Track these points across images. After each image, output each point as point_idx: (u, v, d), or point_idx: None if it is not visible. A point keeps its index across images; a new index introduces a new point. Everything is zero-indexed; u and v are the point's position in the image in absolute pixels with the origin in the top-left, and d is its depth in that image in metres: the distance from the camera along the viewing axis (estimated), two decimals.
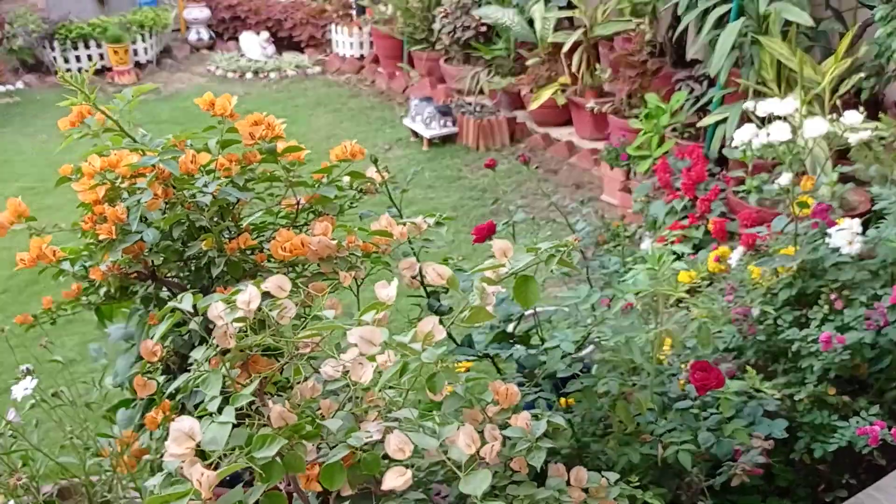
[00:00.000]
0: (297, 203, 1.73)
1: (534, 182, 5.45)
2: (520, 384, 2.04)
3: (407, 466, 1.15)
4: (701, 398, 1.85)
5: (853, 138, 2.52)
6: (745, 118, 4.96)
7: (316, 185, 1.80)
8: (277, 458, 1.05)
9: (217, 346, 1.15)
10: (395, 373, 1.07)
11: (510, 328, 2.18)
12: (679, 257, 1.91)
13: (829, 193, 3.64)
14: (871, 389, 2.48)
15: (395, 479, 1.07)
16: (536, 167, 5.77)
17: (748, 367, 1.94)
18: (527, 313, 2.44)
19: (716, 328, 2.70)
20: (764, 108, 2.39)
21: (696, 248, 3.58)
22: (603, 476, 1.65)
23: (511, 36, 6.59)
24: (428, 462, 1.26)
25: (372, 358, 1.20)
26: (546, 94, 5.99)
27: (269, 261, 1.63)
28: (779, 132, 2.24)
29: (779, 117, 2.33)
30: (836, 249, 2.52)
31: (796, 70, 3.99)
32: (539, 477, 1.60)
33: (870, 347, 2.33)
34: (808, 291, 2.54)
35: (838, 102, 4.05)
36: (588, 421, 2.09)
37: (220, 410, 1.07)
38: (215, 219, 1.57)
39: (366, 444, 1.13)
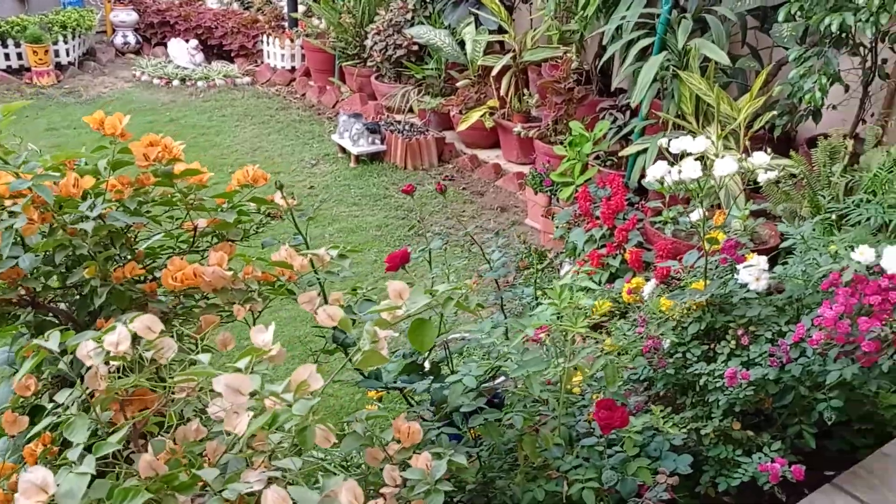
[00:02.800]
0: (195, 228, 1.65)
1: (460, 203, 5.44)
2: (425, 419, 2.00)
3: None
4: (607, 435, 1.84)
5: (762, 177, 2.59)
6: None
7: (217, 210, 1.72)
8: None
9: (87, 387, 1.07)
10: (263, 424, 1.01)
11: (425, 358, 2.13)
12: (590, 289, 1.90)
13: (742, 228, 3.73)
14: (776, 423, 2.54)
15: None
16: (463, 188, 5.77)
17: (653, 405, 1.94)
18: (448, 339, 2.41)
19: (626, 361, 2.73)
20: (677, 145, 2.42)
21: (613, 278, 3.62)
22: None
23: (442, 57, 6.60)
24: None
25: (260, 401, 1.14)
26: (475, 116, 6.01)
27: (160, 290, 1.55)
28: (689, 170, 2.27)
29: (691, 155, 2.36)
30: (745, 285, 2.58)
31: (714, 105, 4.10)
32: None
33: (773, 383, 2.38)
34: (716, 326, 2.58)
35: (748, 142, 4.17)
36: (496, 455, 2.06)
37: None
38: (100, 245, 1.48)
39: (247, 494, 1.06)
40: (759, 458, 2.23)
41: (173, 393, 1.11)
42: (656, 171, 2.28)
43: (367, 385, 1.87)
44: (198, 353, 1.09)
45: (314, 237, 4.78)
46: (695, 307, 2.62)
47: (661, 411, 2.52)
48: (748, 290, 2.57)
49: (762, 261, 2.59)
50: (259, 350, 1.10)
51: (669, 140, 2.45)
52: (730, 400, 2.36)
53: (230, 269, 1.51)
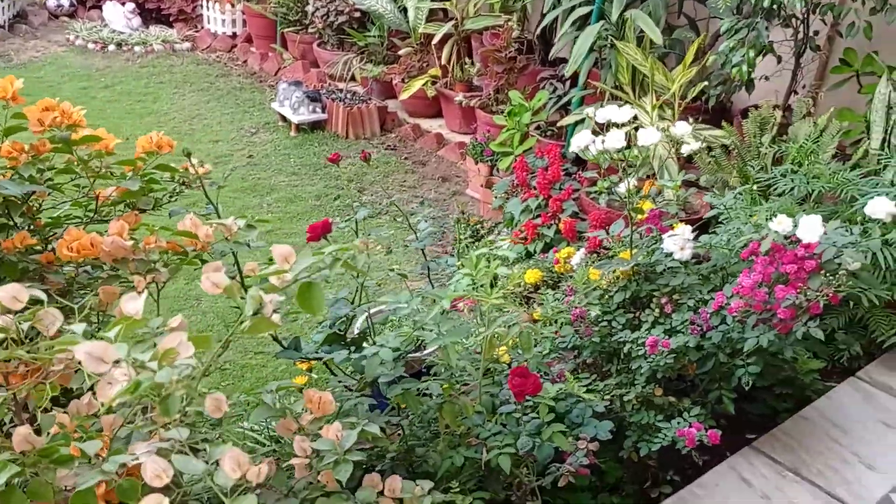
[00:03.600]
0: (97, 197, 1.60)
1: (401, 173, 5.40)
2: (348, 388, 1.99)
3: (181, 490, 1.07)
4: (524, 403, 1.86)
5: (685, 148, 2.61)
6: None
7: (120, 178, 1.67)
8: (18, 488, 0.95)
9: None
10: (125, 390, 0.98)
11: (347, 329, 2.11)
12: (507, 259, 1.90)
13: (674, 198, 3.78)
14: (698, 389, 2.59)
15: None
16: (405, 158, 5.73)
17: (578, 373, 1.96)
18: (372, 311, 2.40)
19: (551, 329, 2.76)
20: (603, 114, 2.43)
21: (548, 248, 3.64)
22: (417, 484, 1.62)
23: (384, 24, 6.51)
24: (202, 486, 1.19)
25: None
26: (417, 85, 5.95)
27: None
28: (613, 140, 2.28)
29: (616, 125, 2.37)
30: (671, 255, 2.62)
31: (648, 75, 4.12)
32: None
33: (695, 351, 2.43)
34: (641, 295, 2.62)
35: (682, 112, 4.21)
36: (420, 425, 2.07)
37: None
38: None
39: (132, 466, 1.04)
40: (679, 423, 2.27)
41: (52, 364, 1.08)
42: (580, 141, 2.29)
43: (284, 356, 1.85)
44: (78, 323, 1.05)
45: (252, 206, 4.70)
46: (621, 276, 2.65)
47: (584, 378, 2.56)
48: (673, 260, 2.61)
49: (686, 230, 2.62)
50: (129, 319, 1.07)
51: (596, 110, 2.45)
52: (652, 367, 2.40)
53: (132, 239, 1.46)
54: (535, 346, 2.37)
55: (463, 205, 4.90)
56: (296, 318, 3.33)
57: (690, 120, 3.80)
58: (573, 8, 4.64)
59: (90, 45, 8.04)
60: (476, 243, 4.05)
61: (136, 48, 8.01)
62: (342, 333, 2.02)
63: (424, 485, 1.60)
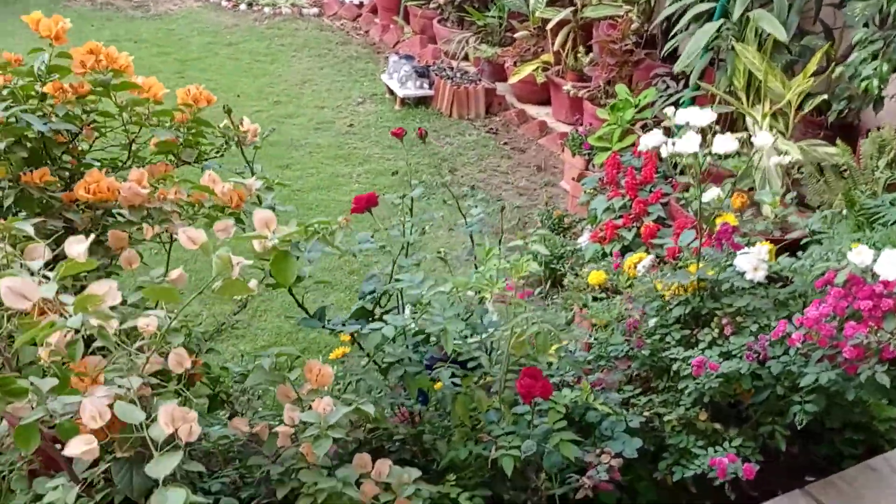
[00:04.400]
0: (130, 143, 1.63)
1: (496, 158, 5.33)
2: (377, 364, 1.96)
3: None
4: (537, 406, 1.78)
5: (774, 159, 2.43)
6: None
7: (170, 128, 1.69)
8: None
9: None
10: (36, 331, 0.98)
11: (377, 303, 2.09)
12: (538, 254, 1.82)
13: (771, 214, 3.54)
14: (751, 421, 2.42)
15: (78, 447, 1.00)
16: (504, 143, 5.65)
17: (581, 384, 1.87)
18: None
19: (604, 336, 2.64)
20: (682, 115, 2.28)
21: (626, 251, 3.49)
22: (405, 472, 1.59)
23: (505, 5, 6.42)
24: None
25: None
26: (527, 70, 5.85)
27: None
28: (686, 143, 2.14)
29: (693, 128, 2.23)
30: (742, 274, 2.45)
31: (762, 80, 3.87)
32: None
33: (749, 378, 2.27)
34: (702, 312, 2.46)
35: (794, 120, 3.93)
36: (436, 412, 2.04)
37: None
38: (23, 147, 1.47)
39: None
40: (715, 451, 2.13)
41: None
42: (649, 141, 2.16)
43: (306, 324, 1.84)
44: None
45: (341, 175, 4.77)
46: (682, 290, 2.50)
47: (627, 391, 2.44)
48: (743, 279, 2.44)
49: (762, 250, 2.45)
50: (74, 262, 1.08)
51: (674, 109, 2.31)
52: (699, 389, 2.26)
53: (153, 187, 1.48)
54: (568, 349, 2.27)
55: (553, 197, 4.78)
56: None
57: (774, 135, 3.53)
58: (695, 2, 4.40)
59: (223, 3, 8.36)
60: (555, 236, 3.94)
61: (266, 9, 8.27)
62: (371, 310, 1.99)
63: (412, 473, 1.56)
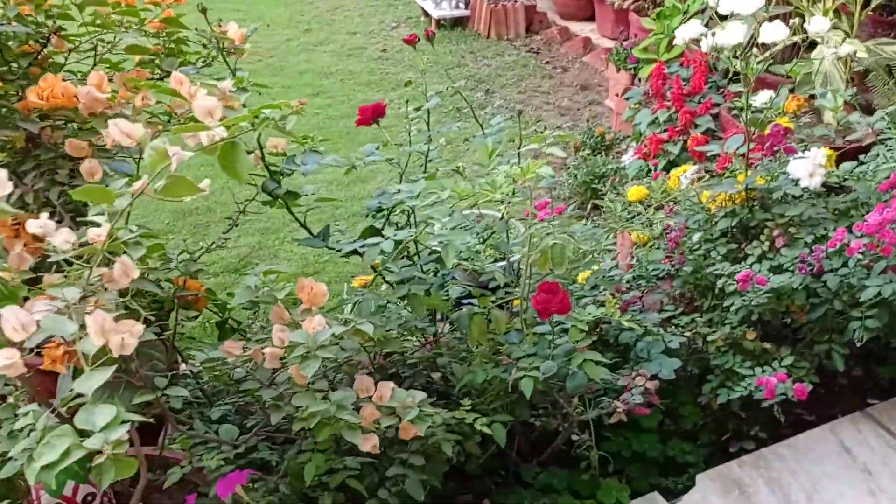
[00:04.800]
0: (95, 49, 1.49)
1: (537, 78, 5.08)
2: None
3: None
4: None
5: (829, 51, 2.17)
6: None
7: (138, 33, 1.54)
8: None
9: None
10: None
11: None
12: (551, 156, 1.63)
13: (833, 120, 3.25)
14: (805, 339, 2.23)
15: None
16: (546, 62, 5.37)
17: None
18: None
19: (644, 253, 2.46)
20: (727, 3, 2.04)
21: (671, 166, 3.26)
22: (410, 395, 1.47)
23: None
24: None
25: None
26: None
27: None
28: (728, 34, 1.91)
29: (737, 17, 1.99)
30: (797, 181, 2.23)
31: None
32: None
33: (802, 293, 2.07)
34: (751, 224, 2.26)
35: (860, 18, 3.57)
36: (455, 336, 1.91)
37: None
38: None
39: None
40: (763, 371, 1.96)
41: None
42: (686, 32, 1.93)
43: (306, 243, 1.72)
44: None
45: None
46: (730, 201, 2.29)
47: (668, 310, 2.27)
48: (797, 187, 2.22)
49: (819, 154, 2.21)
50: None
51: None
52: (747, 306, 2.07)
53: (113, 92, 1.35)
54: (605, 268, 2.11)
55: (596, 116, 4.53)
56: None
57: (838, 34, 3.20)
58: None
59: None
60: (596, 155, 3.72)
61: None
62: (380, 228, 1.85)
63: (417, 395, 1.44)
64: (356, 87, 4.73)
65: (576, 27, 5.81)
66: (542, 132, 3.84)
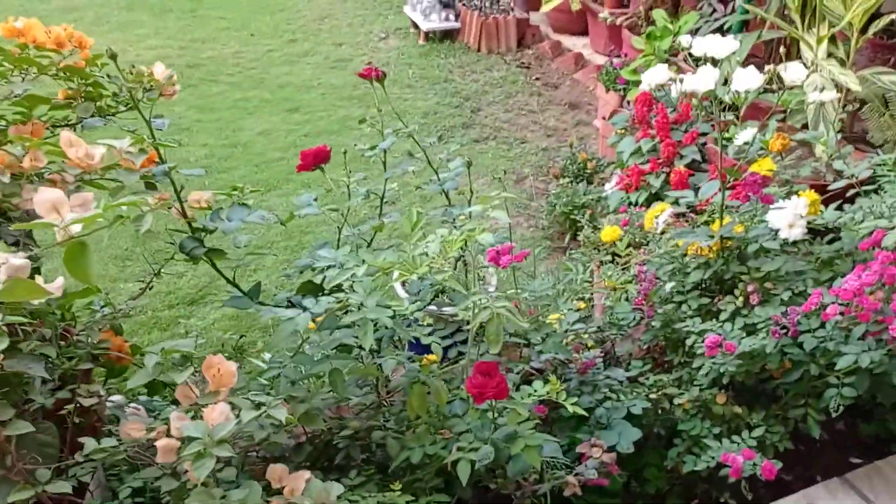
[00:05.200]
0: None
1: (526, 96, 4.94)
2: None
3: None
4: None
5: (813, 95, 2.04)
6: (766, 53, 4.31)
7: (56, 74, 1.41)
8: None
9: None
10: None
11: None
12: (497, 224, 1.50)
13: (824, 156, 3.11)
14: (781, 401, 2.10)
15: None
16: (536, 78, 5.23)
17: (543, 380, 1.57)
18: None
19: (613, 303, 2.33)
20: (700, 46, 1.90)
21: (653, 200, 3.12)
22: (326, 487, 1.34)
23: None
24: None
25: None
26: None
27: None
28: (698, 80, 1.77)
29: (713, 61, 1.85)
30: (776, 232, 2.09)
31: None
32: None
33: (778, 357, 1.93)
34: (725, 276, 2.12)
35: (857, 44, 3.43)
36: (393, 403, 1.78)
37: None
38: None
39: None
40: (730, 444, 1.82)
41: None
42: (653, 78, 1.80)
43: (232, 304, 1.58)
44: None
45: (354, 117, 4.46)
46: (707, 250, 2.16)
47: (636, 367, 2.14)
48: (775, 239, 2.08)
49: (799, 204, 2.08)
50: None
51: (691, 39, 1.93)
52: (715, 369, 1.94)
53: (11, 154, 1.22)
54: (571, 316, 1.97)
55: (584, 138, 4.39)
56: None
57: (831, 63, 3.07)
58: None
59: None
60: (577, 183, 3.59)
61: None
62: (320, 283, 1.72)
63: (334, 489, 1.31)
64: (338, 101, 4.60)
65: (569, 42, 5.67)
66: (540, 169, 3.70)
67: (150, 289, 1.60)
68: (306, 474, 1.31)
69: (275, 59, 5.15)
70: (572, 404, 1.46)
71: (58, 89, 1.52)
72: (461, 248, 1.47)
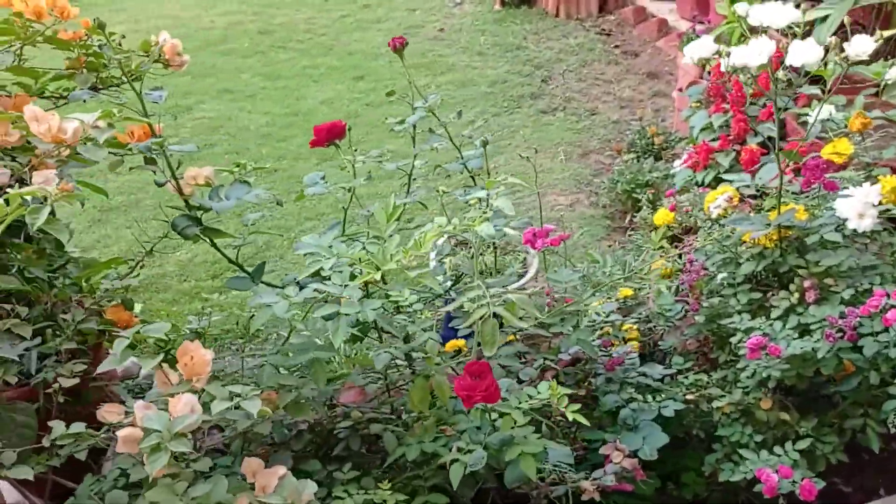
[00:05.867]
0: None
1: (603, 64, 4.71)
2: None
3: None
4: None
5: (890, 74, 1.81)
6: (852, 21, 3.97)
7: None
8: None
9: None
10: None
11: None
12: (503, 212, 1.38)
13: None
14: (838, 408, 1.91)
15: None
16: (615, 46, 4.99)
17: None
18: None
19: (659, 296, 2.17)
20: (757, 14, 1.71)
21: (719, 181, 2.90)
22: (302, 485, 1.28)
23: None
24: None
25: None
26: None
27: None
28: (749, 53, 1.59)
29: (766, 30, 1.66)
30: (844, 222, 1.89)
31: None
32: None
33: (834, 362, 1.75)
34: (781, 270, 1.93)
35: None
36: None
37: None
38: None
39: None
40: (767, 457, 1.67)
41: None
42: (696, 51, 1.63)
43: (232, 285, 1.54)
44: None
45: (422, 86, 4.36)
46: (765, 240, 1.97)
47: (679, 364, 1.98)
48: (841, 230, 1.89)
49: (872, 191, 1.87)
50: None
51: (748, 7, 1.74)
52: (760, 372, 1.78)
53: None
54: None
55: (660, 110, 4.16)
56: None
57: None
58: None
59: None
60: (645, 159, 3.39)
61: None
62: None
63: (307, 487, 1.25)
64: (403, 70, 4.50)
65: (654, 6, 5.37)
66: (608, 143, 3.48)
67: (140, 267, 1.57)
68: (281, 470, 1.26)
69: (347, 26, 5.10)
70: (575, 411, 1.33)
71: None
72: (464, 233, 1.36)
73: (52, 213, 1.83)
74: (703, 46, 1.63)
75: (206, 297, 2.67)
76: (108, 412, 1.25)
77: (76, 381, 1.35)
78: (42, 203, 1.04)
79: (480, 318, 1.23)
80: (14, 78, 1.44)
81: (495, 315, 1.27)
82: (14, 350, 1.13)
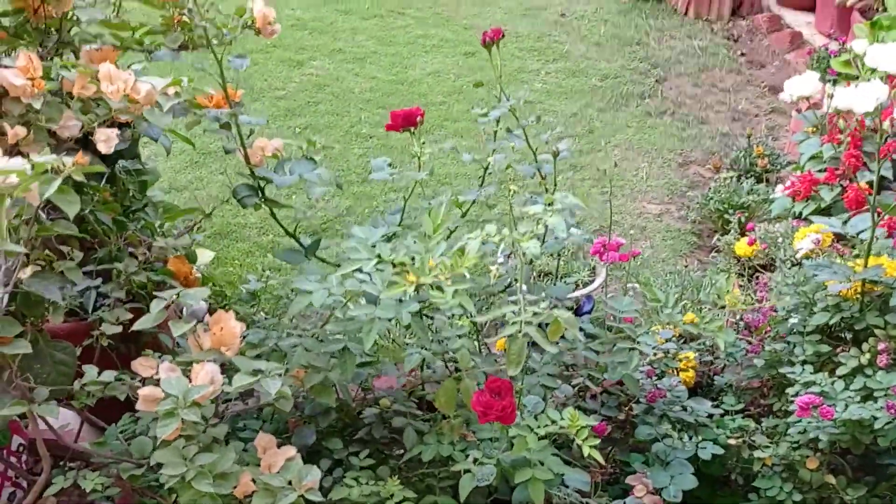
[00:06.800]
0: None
1: (723, 71, 4.51)
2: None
3: None
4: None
5: None
6: None
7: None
8: None
9: None
10: None
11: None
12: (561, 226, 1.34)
13: None
14: (892, 481, 1.80)
15: None
16: (742, 54, 4.76)
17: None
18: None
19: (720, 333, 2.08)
20: (875, 55, 1.60)
21: (822, 214, 2.73)
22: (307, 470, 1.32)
23: None
24: None
25: None
26: None
27: None
28: (858, 97, 1.48)
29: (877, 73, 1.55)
30: None
31: None
32: None
33: (893, 429, 1.65)
34: (856, 326, 1.82)
35: None
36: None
37: None
38: None
39: None
40: None
41: None
42: (797, 88, 1.54)
43: (282, 257, 1.57)
44: None
45: (528, 71, 4.29)
46: (850, 293, 1.86)
47: (726, 405, 1.90)
48: None
49: None
50: None
51: (859, 46, 1.62)
52: (809, 431, 1.69)
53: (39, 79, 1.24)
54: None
55: (776, 128, 3.95)
56: None
57: None
58: None
59: None
60: (746, 179, 3.24)
61: None
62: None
63: (311, 473, 1.28)
64: (516, 52, 4.45)
65: (791, 17, 5.08)
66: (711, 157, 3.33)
67: (197, 228, 1.62)
68: (290, 452, 1.29)
69: (468, 3, 5.07)
70: (593, 446, 1.30)
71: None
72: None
73: (138, 156, 1.92)
74: (805, 83, 1.54)
75: None
76: (141, 365, 1.31)
77: (118, 329, 1.42)
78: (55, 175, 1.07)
79: (510, 336, 1.21)
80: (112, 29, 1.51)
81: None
82: (59, 293, 1.20)
